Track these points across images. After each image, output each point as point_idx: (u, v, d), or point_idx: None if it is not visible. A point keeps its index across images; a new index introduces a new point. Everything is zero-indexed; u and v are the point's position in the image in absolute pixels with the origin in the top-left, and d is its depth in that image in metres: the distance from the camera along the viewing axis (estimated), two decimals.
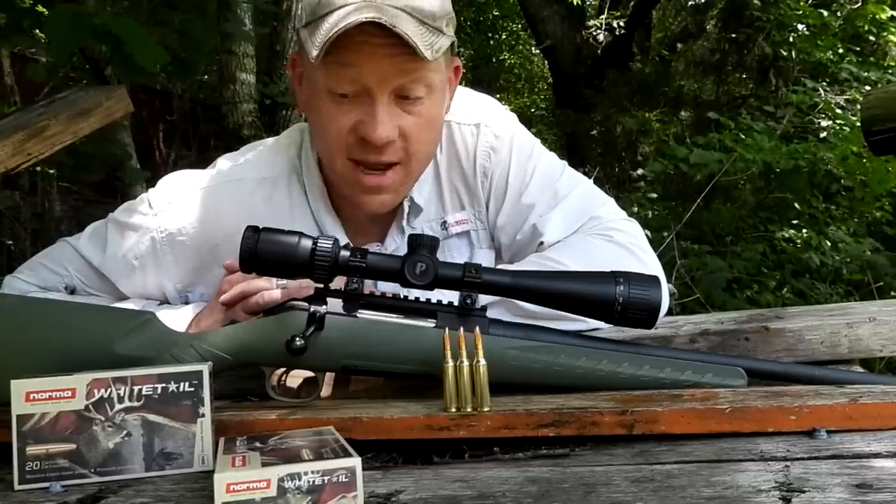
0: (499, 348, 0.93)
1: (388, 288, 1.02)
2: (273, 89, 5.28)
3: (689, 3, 8.47)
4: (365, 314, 0.95)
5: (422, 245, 0.94)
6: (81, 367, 0.81)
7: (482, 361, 0.85)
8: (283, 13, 5.48)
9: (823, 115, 5.54)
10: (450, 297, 0.97)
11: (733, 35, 7.02)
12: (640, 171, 5.64)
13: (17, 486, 0.76)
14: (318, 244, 0.93)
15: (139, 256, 1.22)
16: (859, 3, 6.50)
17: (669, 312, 1.40)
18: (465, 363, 0.85)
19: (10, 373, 0.78)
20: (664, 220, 4.78)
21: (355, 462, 0.67)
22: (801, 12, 6.35)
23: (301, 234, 0.94)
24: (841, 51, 6.11)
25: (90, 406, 0.77)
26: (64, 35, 2.29)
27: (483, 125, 1.28)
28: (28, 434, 0.76)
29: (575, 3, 7.14)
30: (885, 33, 6.34)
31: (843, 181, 5.08)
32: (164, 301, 1.25)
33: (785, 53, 6.44)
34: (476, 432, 0.81)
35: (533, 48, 10.43)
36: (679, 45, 8.14)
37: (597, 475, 0.73)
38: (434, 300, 0.96)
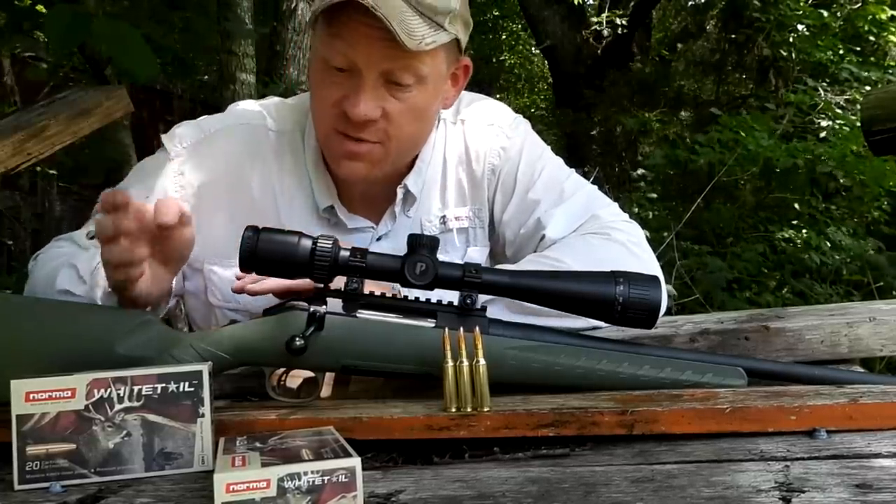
0: (498, 348, 0.93)
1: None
2: (273, 89, 5.27)
3: (689, 3, 8.47)
4: (365, 314, 0.95)
5: (422, 245, 0.94)
6: (81, 367, 0.81)
7: (482, 361, 0.85)
8: (283, 13, 5.48)
9: (823, 115, 5.54)
10: (449, 296, 0.97)
11: (733, 35, 7.02)
12: (640, 171, 5.64)
13: (17, 486, 0.76)
14: (318, 244, 0.93)
15: (151, 196, 1.21)
16: (859, 3, 6.50)
17: (668, 312, 1.40)
18: (465, 363, 0.85)
19: (10, 373, 0.77)
20: (664, 220, 4.78)
21: (355, 462, 0.67)
22: (800, 12, 6.36)
23: (301, 234, 0.94)
24: (841, 51, 6.11)
25: (90, 406, 0.77)
26: (62, 34, 2.29)
27: (497, 126, 1.31)
28: (28, 434, 0.76)
29: (575, 2, 7.14)
30: (885, 33, 6.34)
31: (841, 180, 5.08)
32: None
33: (785, 53, 6.44)
34: (476, 432, 0.81)
35: (533, 48, 10.43)
36: (679, 45, 8.14)
37: (597, 475, 0.73)
38: (434, 300, 0.96)
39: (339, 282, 0.95)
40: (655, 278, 0.97)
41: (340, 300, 0.95)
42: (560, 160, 1.35)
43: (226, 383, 1.06)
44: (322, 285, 0.95)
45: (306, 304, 0.93)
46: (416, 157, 1.26)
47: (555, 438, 0.81)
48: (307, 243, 0.93)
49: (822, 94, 5.69)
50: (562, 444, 0.80)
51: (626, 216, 1.29)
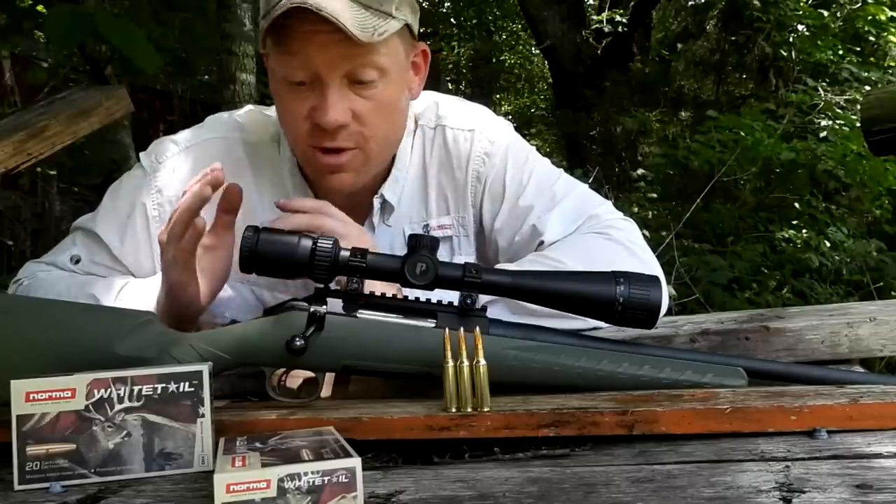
0: (499, 348, 0.93)
1: None
2: None
3: (689, 3, 8.47)
4: (365, 314, 0.95)
5: (422, 245, 0.94)
6: (81, 367, 0.81)
7: (482, 361, 0.85)
8: None
9: (823, 115, 5.54)
10: (450, 297, 0.97)
11: (733, 35, 7.02)
12: (640, 171, 5.65)
13: (16, 487, 0.76)
14: (319, 244, 0.93)
15: (131, 215, 1.24)
16: (859, 4, 6.51)
17: (669, 312, 1.40)
18: (465, 363, 0.85)
19: (10, 373, 0.77)
20: (664, 220, 4.78)
21: (355, 462, 0.67)
22: (800, 12, 6.36)
23: (301, 234, 0.94)
24: (841, 51, 6.11)
25: (90, 406, 0.77)
26: (63, 33, 2.29)
27: (478, 131, 1.29)
28: (28, 434, 0.76)
29: None
30: (884, 34, 6.35)
31: (841, 179, 5.08)
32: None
33: (785, 54, 6.44)
34: (476, 432, 0.81)
35: (533, 48, 10.42)
36: (679, 45, 8.13)
37: (597, 475, 0.73)
38: (434, 300, 0.96)
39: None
40: (656, 278, 0.97)
41: (340, 300, 0.95)
42: (547, 161, 1.33)
43: (225, 384, 1.06)
44: (322, 285, 0.95)
45: (306, 304, 0.93)
46: (392, 166, 1.26)
47: (555, 438, 0.81)
48: (307, 243, 0.93)
49: (822, 94, 5.69)
50: (562, 445, 0.80)
51: (621, 214, 1.28)
